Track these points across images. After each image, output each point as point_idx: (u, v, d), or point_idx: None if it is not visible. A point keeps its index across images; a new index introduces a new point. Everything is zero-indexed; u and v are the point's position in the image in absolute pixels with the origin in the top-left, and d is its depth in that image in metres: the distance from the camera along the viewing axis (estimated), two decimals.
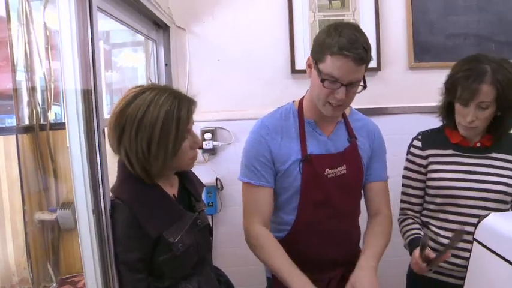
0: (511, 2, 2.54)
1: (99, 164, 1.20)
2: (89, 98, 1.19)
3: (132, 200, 1.25)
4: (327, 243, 1.58)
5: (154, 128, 1.20)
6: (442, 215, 1.66)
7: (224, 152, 2.45)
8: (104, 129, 1.24)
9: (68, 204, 1.80)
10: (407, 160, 1.76)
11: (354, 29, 1.45)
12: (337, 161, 1.57)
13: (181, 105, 1.25)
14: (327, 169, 1.55)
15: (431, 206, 1.68)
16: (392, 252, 2.29)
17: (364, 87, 1.50)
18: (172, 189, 1.39)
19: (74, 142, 1.17)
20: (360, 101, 2.44)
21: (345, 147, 1.60)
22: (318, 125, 1.58)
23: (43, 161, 1.84)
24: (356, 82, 1.45)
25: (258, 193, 1.57)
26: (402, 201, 1.78)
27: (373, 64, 2.43)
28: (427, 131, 1.76)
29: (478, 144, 1.62)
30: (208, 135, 2.38)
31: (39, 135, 1.81)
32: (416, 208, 1.75)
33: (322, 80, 1.40)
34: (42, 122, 1.84)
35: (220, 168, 2.44)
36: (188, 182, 1.47)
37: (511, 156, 1.61)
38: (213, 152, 2.42)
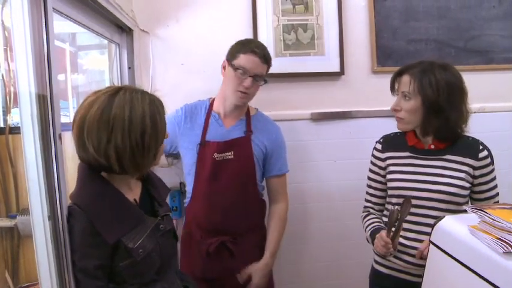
0: (467, 11, 2.62)
1: (55, 169, 1.18)
2: (45, 102, 1.16)
3: (90, 206, 1.23)
4: (215, 212, 1.96)
5: (144, 121, 1.23)
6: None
7: None
8: (59, 134, 1.21)
9: (28, 211, 1.75)
10: (370, 162, 1.86)
11: (258, 41, 2.11)
12: (226, 147, 1.96)
13: (155, 99, 1.31)
14: (215, 153, 1.96)
15: (389, 206, 1.74)
16: (355, 255, 2.36)
17: (265, 81, 1.97)
18: (133, 194, 1.38)
19: (28, 147, 1.14)
20: (324, 104, 2.51)
21: (237, 137, 1.99)
22: (222, 118, 2.03)
23: (2, 166, 1.79)
24: (260, 76, 1.93)
25: None
26: (365, 200, 1.89)
27: (336, 68, 2.48)
28: (390, 134, 1.84)
29: (432, 147, 1.68)
30: None
31: None
32: (377, 207, 1.85)
33: (236, 69, 1.88)
34: (1, 125, 1.79)
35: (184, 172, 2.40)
36: (151, 187, 1.46)
37: (464, 158, 1.64)
38: (176, 155, 2.38)
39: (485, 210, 1.01)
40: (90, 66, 2.88)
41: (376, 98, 2.52)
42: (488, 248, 0.94)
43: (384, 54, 2.54)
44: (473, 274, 0.97)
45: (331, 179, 2.34)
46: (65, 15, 1.59)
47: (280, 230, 2.09)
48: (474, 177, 1.63)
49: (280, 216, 2.10)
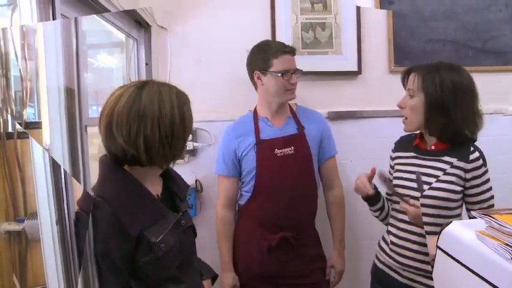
0: (485, 12, 2.59)
1: (62, 174, 1.18)
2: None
3: (114, 198, 1.24)
4: (276, 208, 2.00)
5: (173, 112, 1.24)
6: (393, 213, 1.75)
7: (204, 153, 2.42)
8: (85, 127, 1.21)
9: (36, 215, 1.76)
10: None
11: (272, 40, 2.28)
12: (285, 142, 2.01)
13: (182, 92, 1.33)
14: (276, 149, 2.01)
15: (392, 205, 1.78)
16: (362, 252, 2.32)
17: (302, 71, 2.03)
18: (156, 189, 1.37)
19: (36, 151, 1.14)
20: (341, 103, 2.50)
21: (293, 133, 2.04)
22: (270, 120, 2.08)
23: (10, 170, 1.78)
24: (296, 69, 2.00)
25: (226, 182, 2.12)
26: None
27: (353, 67, 2.46)
28: (407, 135, 1.82)
29: (433, 147, 1.66)
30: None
31: (6, 143, 1.75)
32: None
33: (282, 74, 1.95)
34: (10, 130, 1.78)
35: (200, 170, 2.41)
36: (172, 182, 1.45)
37: (459, 162, 1.59)
38: (193, 153, 2.39)
39: (492, 215, 1.00)
40: (99, 65, 2.87)
41: (393, 98, 2.41)
42: (496, 254, 0.93)
43: (402, 54, 2.52)
44: (480, 280, 0.96)
45: (347, 178, 2.31)
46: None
47: (342, 216, 2.21)
48: (466, 180, 1.58)
49: (340, 201, 2.20)
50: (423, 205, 1.59)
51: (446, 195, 1.57)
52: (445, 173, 1.59)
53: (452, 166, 1.59)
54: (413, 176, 1.66)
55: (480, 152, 1.61)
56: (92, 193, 1.25)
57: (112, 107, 1.23)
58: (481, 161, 1.59)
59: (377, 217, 1.86)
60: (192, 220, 1.50)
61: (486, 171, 1.60)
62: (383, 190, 1.83)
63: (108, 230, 1.21)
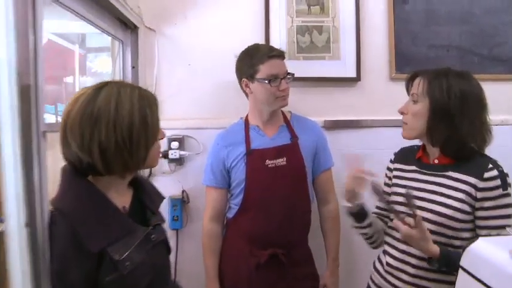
0: (492, 16, 2.47)
1: (36, 170, 1.06)
2: (28, 96, 1.04)
3: (73, 211, 1.12)
4: (267, 223, 1.88)
5: (132, 115, 1.14)
6: (390, 231, 1.61)
7: (192, 162, 2.29)
8: (44, 132, 1.09)
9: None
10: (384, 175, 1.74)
11: (261, 44, 2.06)
12: (277, 153, 1.89)
13: (148, 94, 1.22)
14: (267, 160, 1.89)
15: (389, 222, 1.63)
16: (358, 264, 2.17)
17: (293, 75, 1.90)
18: (122, 200, 1.26)
19: (7, 146, 1.02)
20: (338, 112, 2.37)
21: (285, 143, 1.93)
22: (262, 129, 1.96)
23: None
24: (286, 74, 1.88)
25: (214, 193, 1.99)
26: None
27: (352, 73, 2.34)
28: (408, 146, 1.72)
29: (436, 161, 1.53)
30: (175, 144, 2.22)
31: None
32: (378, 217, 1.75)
33: (269, 81, 1.81)
34: None
35: (187, 180, 2.28)
36: (143, 193, 1.35)
37: (467, 177, 1.44)
38: (179, 162, 2.26)
39: None
40: (99, 69, 2.81)
41: (394, 106, 2.29)
42: None
43: (403, 60, 2.39)
44: None
45: (344, 192, 2.17)
46: (64, 5, 1.50)
47: (337, 232, 2.07)
48: (476, 199, 1.41)
49: (335, 217, 2.06)
50: (428, 220, 1.45)
51: (451, 213, 1.42)
52: (452, 189, 1.45)
53: (462, 182, 1.45)
54: (414, 192, 1.52)
55: (501, 171, 1.42)
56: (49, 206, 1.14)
57: (68, 111, 1.14)
58: (498, 181, 1.40)
59: (365, 236, 1.70)
60: (165, 234, 1.39)
61: (505, 195, 1.41)
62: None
63: (66, 247, 1.09)
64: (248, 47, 1.95)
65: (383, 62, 2.40)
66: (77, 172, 1.17)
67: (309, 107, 2.32)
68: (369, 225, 1.64)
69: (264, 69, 1.83)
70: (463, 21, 2.45)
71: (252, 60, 1.86)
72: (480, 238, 0.98)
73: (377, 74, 2.40)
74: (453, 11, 2.44)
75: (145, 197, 1.34)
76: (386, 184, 1.72)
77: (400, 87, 2.36)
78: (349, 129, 2.37)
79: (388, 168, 1.73)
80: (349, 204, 1.59)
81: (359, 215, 1.62)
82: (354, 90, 2.39)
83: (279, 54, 1.87)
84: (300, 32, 2.30)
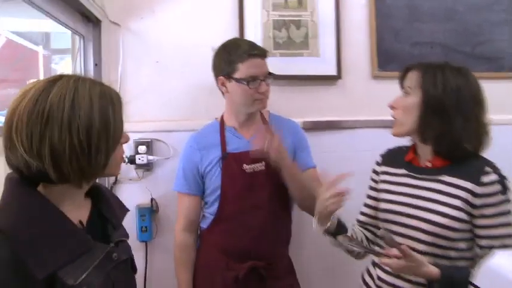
0: (476, 14, 2.39)
1: None
2: None
3: (15, 229, 0.93)
4: (245, 234, 1.73)
5: (91, 114, 0.98)
6: (380, 242, 1.47)
7: (161, 168, 2.11)
8: None
9: None
10: (370, 178, 1.63)
11: (242, 39, 1.94)
12: (255, 157, 1.71)
13: (111, 91, 1.06)
14: (244, 164, 1.73)
15: (378, 232, 1.46)
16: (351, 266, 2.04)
17: (274, 76, 1.75)
18: (78, 214, 1.07)
19: None
20: (318, 112, 2.22)
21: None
22: (238, 130, 1.81)
23: None
24: (267, 75, 1.72)
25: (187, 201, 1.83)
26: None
27: (332, 71, 2.21)
28: (396, 147, 1.58)
29: (429, 165, 1.40)
30: (142, 148, 2.03)
31: None
32: (363, 226, 1.61)
33: (248, 82, 1.65)
34: None
35: (157, 187, 2.10)
36: (104, 205, 1.17)
37: (463, 182, 1.31)
38: (147, 167, 2.08)
39: None
40: (65, 71, 2.59)
41: (377, 106, 2.23)
42: None
43: (386, 58, 2.28)
44: None
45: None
46: None
47: None
48: (474, 207, 1.29)
49: None
50: (415, 228, 1.33)
51: (448, 222, 1.29)
52: (447, 195, 1.32)
53: (457, 187, 1.31)
54: (406, 199, 1.40)
55: (500, 175, 1.31)
56: None
57: (13, 109, 0.96)
58: (498, 187, 1.28)
59: (348, 253, 1.54)
60: (129, 251, 1.21)
61: (505, 201, 1.30)
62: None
63: (5, 275, 0.89)
64: (227, 41, 1.78)
65: (364, 59, 2.28)
66: (24, 181, 0.99)
67: (286, 107, 2.17)
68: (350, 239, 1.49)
69: (243, 69, 1.67)
70: (447, 19, 2.36)
71: (231, 57, 1.69)
72: (497, 253, 0.83)
73: (358, 71, 2.28)
74: (436, 7, 2.35)
75: (106, 209, 1.17)
76: (372, 188, 1.58)
77: (383, 86, 2.30)
78: (330, 131, 2.23)
79: (375, 172, 1.59)
80: (323, 227, 1.43)
81: (337, 233, 1.45)
82: (334, 88, 2.25)
83: (261, 53, 1.71)
84: (277, 27, 2.16)
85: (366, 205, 1.60)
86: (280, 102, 2.16)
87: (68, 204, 1.04)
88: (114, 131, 1.03)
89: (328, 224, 1.40)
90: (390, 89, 2.22)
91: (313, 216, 1.62)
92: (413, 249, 1.27)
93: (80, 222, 1.06)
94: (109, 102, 1.02)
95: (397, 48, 2.29)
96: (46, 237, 0.95)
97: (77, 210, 1.07)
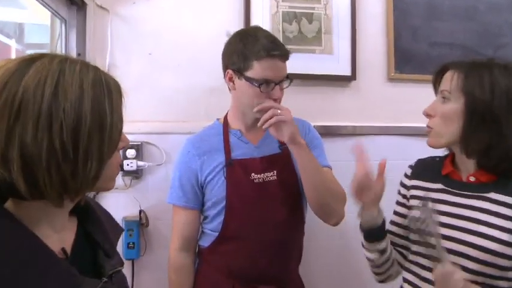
0: (497, 13, 2.23)
1: None
2: None
3: None
4: (255, 254, 1.51)
5: (81, 107, 0.74)
6: (414, 268, 1.28)
7: (152, 175, 1.86)
8: None
9: None
10: (397, 192, 1.42)
11: (263, 30, 1.52)
12: (265, 165, 1.53)
13: (108, 78, 0.82)
14: (253, 173, 1.51)
15: (410, 256, 1.29)
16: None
17: (291, 80, 1.53)
18: (61, 238, 0.83)
19: None
20: (329, 116, 1.99)
21: (274, 153, 1.57)
22: (244, 134, 1.58)
23: None
24: (284, 78, 1.49)
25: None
26: None
27: (346, 71, 2.00)
28: (427, 158, 1.38)
29: (472, 179, 1.20)
30: (131, 153, 1.78)
31: None
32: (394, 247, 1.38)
33: (260, 85, 1.43)
34: None
35: (147, 198, 1.85)
36: (93, 226, 0.92)
37: None
38: (136, 175, 1.82)
39: None
40: None
41: (393, 111, 2.06)
42: None
43: (403, 58, 2.09)
44: None
45: None
46: None
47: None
48: None
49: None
50: (459, 254, 1.13)
51: (499, 248, 1.09)
52: (496, 215, 1.12)
53: (507, 206, 1.12)
54: (445, 219, 1.19)
55: None
56: None
57: None
58: None
59: (373, 264, 1.34)
60: (126, 284, 0.98)
61: None
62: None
63: None
64: (246, 29, 1.60)
65: (381, 59, 2.08)
66: None
67: (294, 109, 1.94)
68: (383, 251, 1.29)
69: (258, 69, 1.43)
70: (467, 18, 2.19)
71: (246, 51, 1.44)
72: None
73: (374, 73, 2.07)
74: (456, 5, 2.17)
75: (97, 231, 0.91)
76: (401, 204, 1.38)
77: (399, 89, 2.10)
78: (341, 137, 2.02)
79: (403, 185, 1.38)
80: (359, 204, 1.27)
81: (374, 232, 1.27)
82: (347, 91, 2.04)
83: (283, 54, 1.46)
84: (287, 20, 1.93)
85: (394, 223, 1.39)
86: (288, 103, 1.92)
87: (47, 226, 0.79)
88: (111, 131, 0.78)
89: (376, 213, 1.25)
90: (407, 93, 2.10)
91: (328, 222, 1.53)
92: None
93: (63, 250, 0.81)
94: (105, 93, 0.78)
95: (414, 48, 2.11)
96: (15, 273, 0.70)
97: (58, 233, 0.82)
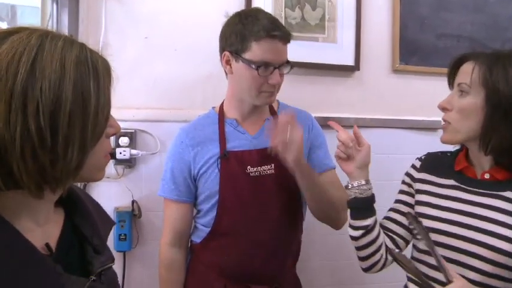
0: (507, 5, 2.16)
1: None
2: None
3: None
4: (249, 252, 1.45)
5: (62, 83, 0.66)
6: (419, 266, 1.23)
7: (145, 164, 1.79)
8: None
9: None
10: (401, 182, 1.37)
11: (265, 12, 1.45)
12: (262, 158, 1.44)
13: (95, 53, 0.75)
14: (249, 166, 1.44)
15: (414, 253, 1.27)
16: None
17: (292, 66, 1.45)
18: (44, 232, 0.77)
19: None
20: (331, 107, 1.92)
21: None
22: (241, 124, 1.50)
23: None
24: (284, 63, 1.42)
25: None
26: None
27: (349, 61, 1.94)
28: (438, 152, 1.32)
29: (487, 176, 1.15)
30: (124, 140, 1.70)
31: None
32: (391, 235, 1.32)
33: (258, 67, 1.35)
34: None
35: (139, 188, 1.78)
36: (81, 218, 0.85)
37: None
38: (129, 164, 1.75)
39: None
40: None
41: (397, 104, 2.01)
42: None
43: (408, 49, 2.03)
44: None
45: None
46: None
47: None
48: None
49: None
50: (471, 254, 1.09)
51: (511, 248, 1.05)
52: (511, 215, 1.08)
53: None
54: (456, 217, 1.14)
55: None
56: None
57: None
58: None
59: (358, 244, 1.28)
60: (116, 283, 0.91)
61: None
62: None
63: None
64: (245, 10, 1.51)
65: (386, 49, 2.02)
66: None
67: (294, 98, 1.86)
68: (370, 229, 1.23)
69: (257, 50, 1.34)
70: (476, 9, 2.13)
71: (244, 31, 1.36)
72: None
73: (378, 63, 2.01)
74: None
75: (85, 225, 0.85)
76: (405, 193, 1.33)
77: (403, 81, 2.03)
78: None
79: (410, 176, 1.32)
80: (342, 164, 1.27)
81: (360, 206, 1.24)
82: (350, 81, 1.98)
83: (284, 36, 1.38)
84: (289, 5, 1.86)
85: (395, 210, 1.33)
86: (289, 93, 1.84)
87: (28, 219, 0.73)
88: (96, 115, 0.71)
89: (364, 183, 1.23)
90: (412, 86, 2.04)
91: (332, 225, 1.50)
92: (468, 280, 1.06)
93: (47, 245, 0.74)
94: (91, 73, 0.71)
95: (421, 39, 2.04)
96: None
97: (41, 227, 0.76)
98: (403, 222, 1.30)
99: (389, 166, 1.90)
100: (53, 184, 0.70)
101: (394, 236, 1.29)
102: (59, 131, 0.65)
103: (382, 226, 1.31)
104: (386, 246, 1.27)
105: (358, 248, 1.27)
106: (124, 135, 1.71)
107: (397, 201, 1.34)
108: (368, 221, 1.22)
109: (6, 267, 0.65)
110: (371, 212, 1.23)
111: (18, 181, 0.65)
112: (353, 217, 1.24)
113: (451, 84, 1.22)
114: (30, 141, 0.63)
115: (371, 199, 1.23)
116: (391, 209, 1.34)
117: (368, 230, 1.22)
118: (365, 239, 1.24)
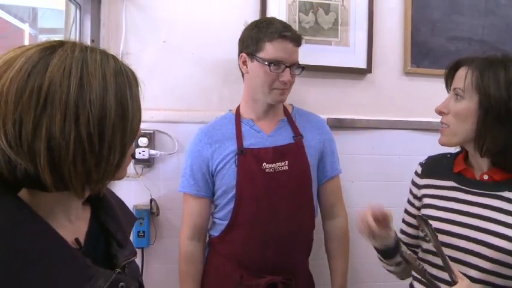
0: None
1: None
2: None
3: None
4: (264, 244, 1.53)
5: (107, 95, 0.73)
6: (424, 265, 1.22)
7: (163, 164, 1.84)
8: None
9: None
10: (409, 191, 1.40)
11: (278, 19, 1.58)
12: (277, 155, 1.54)
13: (126, 68, 0.81)
14: (265, 163, 1.52)
15: (420, 254, 1.30)
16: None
17: (303, 68, 1.57)
18: (75, 229, 0.81)
19: None
20: (343, 109, 1.95)
21: (287, 143, 1.58)
22: (257, 123, 1.59)
23: None
24: (295, 64, 1.53)
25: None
26: None
27: (361, 64, 1.97)
28: (438, 155, 1.35)
29: (486, 177, 1.18)
30: (143, 141, 1.76)
31: None
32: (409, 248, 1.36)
33: (269, 64, 1.46)
34: None
35: (157, 186, 1.83)
36: (106, 215, 0.90)
37: None
38: (148, 163, 1.81)
39: None
40: None
41: (408, 106, 2.03)
42: None
43: (420, 52, 2.04)
44: None
45: (347, 203, 1.80)
46: None
47: (346, 254, 1.71)
48: None
49: (343, 235, 1.71)
50: (473, 253, 1.12)
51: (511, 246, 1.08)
52: (510, 214, 1.11)
53: None
54: (457, 217, 1.17)
55: None
56: None
57: (12, 74, 0.69)
58: None
59: (395, 274, 1.35)
60: (138, 274, 0.96)
61: None
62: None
63: None
64: (262, 18, 1.64)
65: (397, 52, 2.04)
66: (2, 184, 0.72)
67: (308, 100, 1.94)
68: (401, 262, 1.27)
69: (270, 49, 1.47)
70: (487, 12, 2.13)
71: (260, 34, 1.49)
72: None
73: (390, 66, 2.03)
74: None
75: (110, 221, 0.90)
76: (411, 204, 1.37)
77: (415, 84, 2.06)
78: (355, 130, 1.99)
79: (415, 184, 1.36)
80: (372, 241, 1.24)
81: (388, 251, 1.25)
82: (362, 83, 2.01)
83: (294, 37, 1.50)
84: (303, 10, 1.89)
85: (406, 223, 1.38)
86: (302, 95, 1.92)
87: (61, 216, 0.78)
88: (132, 121, 0.77)
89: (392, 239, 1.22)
90: (423, 88, 2.06)
91: None
92: (468, 278, 1.08)
93: (76, 240, 0.80)
94: (126, 83, 0.77)
95: (432, 41, 2.06)
96: (28, 264, 0.69)
97: (73, 224, 0.81)
98: (413, 234, 1.34)
99: (400, 167, 1.93)
100: (93, 185, 0.76)
101: (412, 249, 1.34)
102: (105, 137, 0.72)
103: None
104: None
105: (397, 275, 1.34)
106: (143, 136, 1.77)
107: (406, 212, 1.38)
108: (398, 258, 1.25)
109: (41, 260, 0.70)
110: (397, 249, 1.23)
111: (66, 183, 0.71)
112: (382, 257, 1.28)
113: (448, 88, 1.25)
114: (81, 147, 0.69)
115: (397, 243, 1.23)
116: (404, 222, 1.38)
117: (400, 262, 1.27)
118: (401, 268, 1.30)
